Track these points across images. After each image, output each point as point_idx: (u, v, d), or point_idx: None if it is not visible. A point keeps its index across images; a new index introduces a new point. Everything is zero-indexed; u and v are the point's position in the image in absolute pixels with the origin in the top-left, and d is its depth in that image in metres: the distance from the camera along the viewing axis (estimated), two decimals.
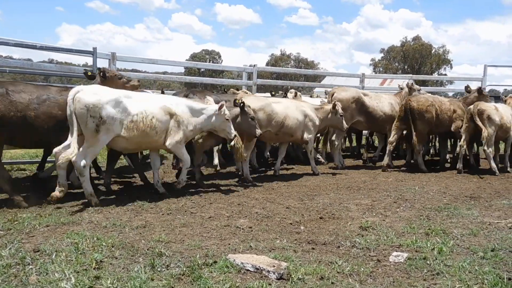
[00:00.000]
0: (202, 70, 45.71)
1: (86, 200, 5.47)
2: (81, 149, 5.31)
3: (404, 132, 9.22)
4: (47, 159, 7.33)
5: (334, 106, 8.23)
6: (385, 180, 7.79)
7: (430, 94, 10.47)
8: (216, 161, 8.87)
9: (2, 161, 5.80)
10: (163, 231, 4.42)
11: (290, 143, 9.24)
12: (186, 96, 7.76)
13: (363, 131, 11.62)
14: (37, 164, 7.61)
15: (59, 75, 8.82)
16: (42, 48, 8.60)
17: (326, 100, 9.55)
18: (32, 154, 9.47)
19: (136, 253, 3.75)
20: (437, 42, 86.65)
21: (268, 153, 9.79)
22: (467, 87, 10.86)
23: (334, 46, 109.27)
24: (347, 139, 12.53)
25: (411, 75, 31.10)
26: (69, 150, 5.22)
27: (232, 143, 6.76)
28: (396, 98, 9.78)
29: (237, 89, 11.21)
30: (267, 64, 57.55)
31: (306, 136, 8.04)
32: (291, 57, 64.47)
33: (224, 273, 3.34)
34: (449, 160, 10.08)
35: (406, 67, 58.53)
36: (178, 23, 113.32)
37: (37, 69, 9.06)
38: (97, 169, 7.62)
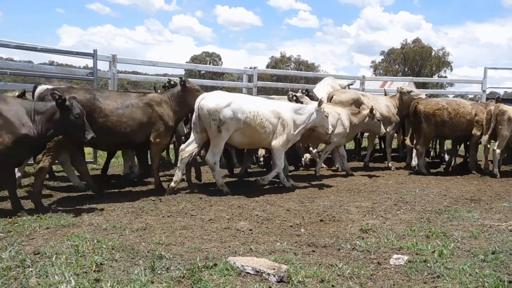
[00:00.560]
0: (203, 72, 45.80)
1: (86, 204, 5.54)
2: (209, 149, 6.43)
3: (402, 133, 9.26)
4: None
5: (371, 110, 8.17)
6: (385, 182, 7.78)
7: (439, 98, 10.46)
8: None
9: None
10: (163, 233, 4.42)
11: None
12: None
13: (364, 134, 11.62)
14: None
15: (60, 77, 8.82)
16: (42, 50, 8.61)
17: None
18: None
19: (136, 255, 3.74)
20: (437, 45, 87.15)
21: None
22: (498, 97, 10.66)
23: (334, 48, 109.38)
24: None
25: (411, 77, 31.14)
26: (190, 147, 6.42)
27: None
28: (392, 100, 9.80)
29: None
30: (268, 66, 57.66)
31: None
32: (292, 59, 64.57)
33: (224, 276, 3.34)
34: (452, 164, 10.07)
35: (406, 69, 58.56)
36: (179, 25, 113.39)
37: (37, 71, 9.07)
38: (104, 171, 7.73)
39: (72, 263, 3.50)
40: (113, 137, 5.98)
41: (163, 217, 5.08)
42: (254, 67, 12.11)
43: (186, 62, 49.24)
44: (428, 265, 3.69)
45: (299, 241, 4.33)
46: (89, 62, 9.70)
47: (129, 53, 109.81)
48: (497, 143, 8.43)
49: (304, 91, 8.80)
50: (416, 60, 57.96)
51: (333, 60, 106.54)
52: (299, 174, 8.59)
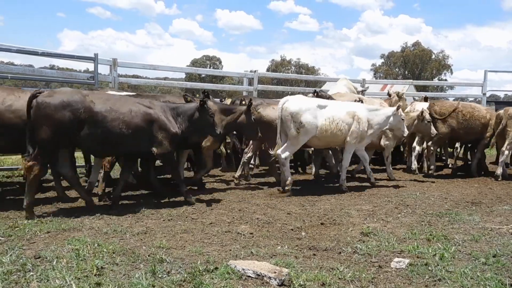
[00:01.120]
0: (203, 75, 45.84)
1: (85, 206, 5.54)
2: (285, 145, 6.81)
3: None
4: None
5: (421, 113, 8.13)
6: (386, 185, 7.77)
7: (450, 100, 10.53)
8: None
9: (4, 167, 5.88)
10: (164, 237, 4.42)
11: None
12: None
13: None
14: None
15: (61, 81, 8.85)
16: (44, 54, 8.63)
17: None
18: None
19: (137, 259, 3.74)
20: (437, 48, 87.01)
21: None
22: None
23: (334, 52, 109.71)
24: None
25: (411, 80, 31.18)
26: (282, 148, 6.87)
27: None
28: (385, 103, 9.84)
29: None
30: (268, 70, 57.76)
31: (383, 142, 8.37)
32: (292, 62, 64.65)
33: (225, 280, 3.34)
34: (450, 166, 10.07)
35: (406, 72, 58.69)
36: (179, 29, 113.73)
37: (38, 75, 9.10)
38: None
39: (73, 267, 3.50)
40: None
41: (163, 220, 5.08)
42: (255, 71, 12.12)
43: (187, 65, 49.34)
44: (429, 268, 3.68)
45: (300, 244, 4.32)
46: (90, 66, 9.72)
47: (130, 57, 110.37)
48: (505, 144, 8.45)
49: (314, 92, 8.87)
50: (416, 63, 58.08)
51: (333, 64, 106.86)
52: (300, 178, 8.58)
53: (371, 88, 13.52)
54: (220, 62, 65.48)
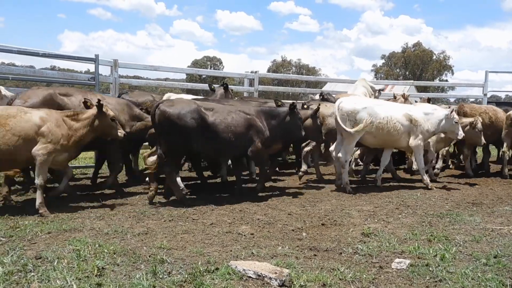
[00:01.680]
0: (204, 76, 45.83)
1: (87, 208, 5.51)
2: (342, 147, 7.12)
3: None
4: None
5: (474, 121, 8.09)
6: (386, 186, 7.77)
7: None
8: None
9: None
10: (165, 237, 4.42)
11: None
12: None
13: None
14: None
15: (62, 82, 8.85)
16: (45, 55, 8.64)
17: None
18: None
19: (138, 260, 3.74)
20: (437, 48, 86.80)
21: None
22: None
23: (335, 52, 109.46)
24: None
25: (412, 81, 31.17)
26: (336, 146, 7.28)
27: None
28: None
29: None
30: (269, 71, 57.68)
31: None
32: (292, 63, 64.65)
33: (226, 280, 3.34)
34: (450, 166, 10.06)
35: (407, 73, 58.62)
36: (180, 29, 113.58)
37: (39, 76, 9.11)
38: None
39: (74, 267, 3.50)
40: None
41: (164, 221, 5.08)
42: (255, 71, 12.14)
43: (187, 66, 49.35)
44: (430, 269, 3.68)
45: (301, 245, 4.32)
46: (91, 67, 9.72)
47: (130, 58, 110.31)
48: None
49: (320, 95, 8.89)
50: (417, 64, 58.00)
51: (333, 64, 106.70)
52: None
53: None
54: (221, 63, 65.52)
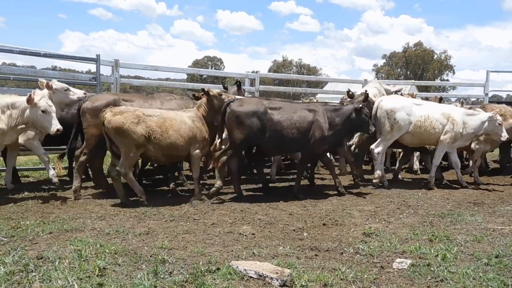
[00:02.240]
0: (205, 76, 45.86)
1: (88, 212, 5.50)
2: (378, 141, 7.46)
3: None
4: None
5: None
6: (387, 186, 7.76)
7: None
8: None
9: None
10: (166, 237, 4.42)
11: None
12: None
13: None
14: (40, 171, 7.64)
15: (63, 82, 8.86)
16: (46, 55, 8.65)
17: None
18: (36, 161, 9.50)
19: (139, 260, 3.74)
20: (438, 48, 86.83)
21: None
22: None
23: (336, 52, 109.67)
24: None
25: (413, 81, 31.12)
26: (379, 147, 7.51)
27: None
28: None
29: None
30: (269, 70, 57.77)
31: (474, 145, 8.40)
32: (293, 63, 64.66)
33: (227, 280, 3.34)
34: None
35: (408, 72, 58.59)
36: (180, 29, 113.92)
37: (40, 76, 9.10)
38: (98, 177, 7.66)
39: (75, 267, 3.50)
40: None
41: (165, 221, 5.08)
42: (256, 71, 12.12)
43: (188, 66, 49.41)
44: (432, 269, 3.68)
45: (302, 245, 4.32)
46: (92, 67, 9.72)
47: (131, 58, 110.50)
48: None
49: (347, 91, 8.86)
50: (418, 64, 57.98)
51: (334, 64, 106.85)
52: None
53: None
54: (222, 63, 65.61)
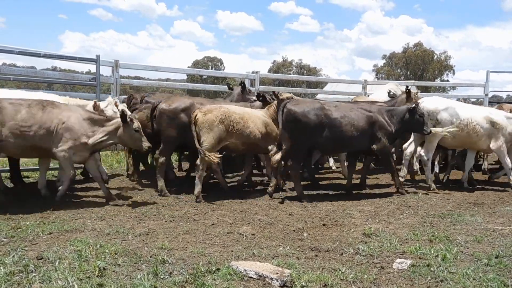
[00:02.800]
0: (205, 77, 45.89)
1: (88, 212, 5.48)
2: (424, 146, 7.46)
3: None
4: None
5: None
6: (388, 186, 7.76)
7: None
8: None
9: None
10: (166, 238, 4.42)
11: None
12: None
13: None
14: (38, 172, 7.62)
15: (63, 82, 8.91)
16: (46, 56, 8.65)
17: None
18: (36, 161, 9.50)
19: (139, 260, 3.75)
20: (438, 48, 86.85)
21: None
22: None
23: (336, 53, 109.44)
24: None
25: (413, 81, 31.13)
26: (411, 147, 7.75)
27: None
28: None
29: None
30: (269, 71, 57.69)
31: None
32: (293, 63, 64.64)
33: (227, 281, 3.34)
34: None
35: (408, 73, 58.55)
36: (180, 30, 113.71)
37: (41, 77, 9.12)
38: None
39: (75, 268, 3.51)
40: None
41: (165, 221, 5.09)
42: (256, 72, 12.13)
43: (188, 67, 49.30)
44: (432, 269, 3.68)
45: (302, 245, 4.32)
46: (92, 67, 9.73)
47: (131, 58, 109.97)
48: None
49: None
50: (418, 64, 57.91)
51: (334, 64, 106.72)
52: None
53: (373, 89, 13.50)
54: (222, 63, 65.57)
